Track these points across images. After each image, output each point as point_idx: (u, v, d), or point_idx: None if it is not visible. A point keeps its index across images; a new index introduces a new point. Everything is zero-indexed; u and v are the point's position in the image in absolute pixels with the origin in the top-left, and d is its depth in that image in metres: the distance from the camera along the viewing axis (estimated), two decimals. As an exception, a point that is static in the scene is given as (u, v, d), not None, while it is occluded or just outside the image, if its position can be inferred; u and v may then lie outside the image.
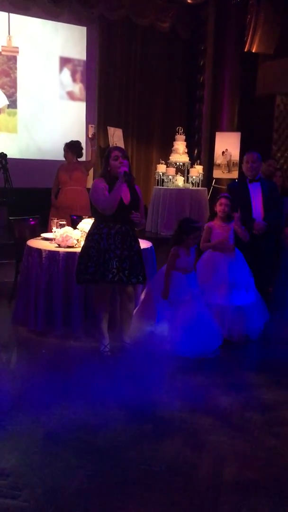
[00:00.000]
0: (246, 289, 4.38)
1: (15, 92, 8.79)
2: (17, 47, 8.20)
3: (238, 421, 3.08)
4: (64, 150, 6.12)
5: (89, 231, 3.93)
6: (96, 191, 3.81)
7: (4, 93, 8.64)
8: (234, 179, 6.60)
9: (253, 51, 9.77)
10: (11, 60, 8.60)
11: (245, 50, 9.69)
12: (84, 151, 6.37)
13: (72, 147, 6.11)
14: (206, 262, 4.48)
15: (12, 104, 8.75)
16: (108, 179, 3.82)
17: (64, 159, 6.19)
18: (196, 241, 4.19)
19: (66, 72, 9.03)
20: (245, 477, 2.53)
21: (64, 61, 8.99)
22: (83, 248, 3.92)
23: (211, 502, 2.33)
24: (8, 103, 8.69)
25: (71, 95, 9.13)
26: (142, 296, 4.26)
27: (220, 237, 4.47)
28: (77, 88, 9.16)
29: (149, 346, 3.95)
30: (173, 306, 4.07)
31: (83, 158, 6.44)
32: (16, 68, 8.73)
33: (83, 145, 6.42)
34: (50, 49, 8.83)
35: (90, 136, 6.32)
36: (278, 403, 3.33)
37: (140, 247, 3.98)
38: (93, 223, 3.95)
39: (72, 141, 6.22)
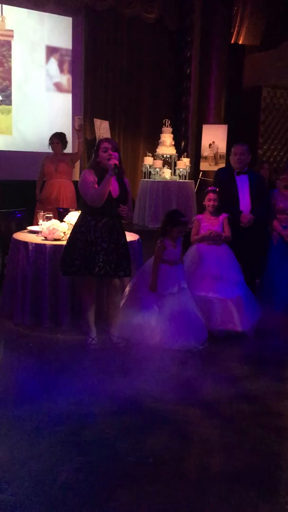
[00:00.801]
0: (234, 283, 4.37)
1: (10, 85, 7.78)
2: (12, 31, 7.21)
3: (226, 412, 3.10)
4: (54, 141, 6.02)
5: (76, 223, 3.91)
6: (85, 183, 3.79)
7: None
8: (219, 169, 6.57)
9: (240, 43, 9.77)
10: (4, 46, 7.56)
11: (232, 42, 9.68)
12: (70, 143, 6.32)
13: (63, 139, 6.05)
14: (193, 255, 4.48)
15: (6, 100, 7.82)
16: (97, 171, 3.80)
17: (50, 151, 6.11)
18: (180, 234, 4.17)
19: (53, 63, 8.88)
20: (232, 468, 2.55)
21: (51, 52, 8.84)
22: (69, 240, 3.89)
23: (199, 493, 2.35)
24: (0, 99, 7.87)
25: (57, 86, 8.99)
26: (127, 289, 4.25)
27: (207, 228, 4.47)
28: (64, 79, 9.04)
29: (136, 339, 3.96)
30: (161, 299, 4.06)
31: (69, 150, 6.39)
32: (10, 56, 7.75)
33: (69, 137, 6.36)
34: (36, 39, 8.62)
35: (76, 127, 6.27)
36: (265, 394, 3.35)
37: (126, 240, 3.97)
38: (80, 216, 3.92)
39: (60, 132, 6.16)
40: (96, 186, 3.74)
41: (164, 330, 3.96)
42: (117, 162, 3.74)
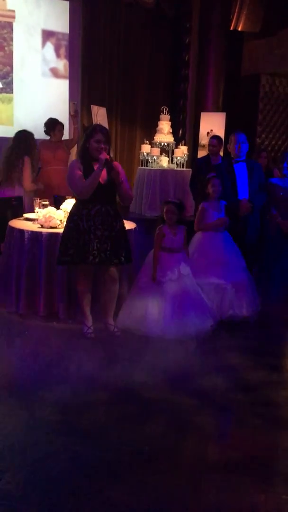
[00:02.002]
0: (239, 268, 4.40)
1: (11, 71, 7.28)
2: (13, 11, 6.77)
3: (222, 402, 3.10)
4: (60, 129, 5.98)
5: (70, 212, 3.90)
6: (72, 177, 3.76)
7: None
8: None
9: (239, 29, 9.64)
10: (5, 28, 7.03)
11: (231, 28, 9.55)
12: (66, 129, 6.26)
13: (59, 124, 6.02)
14: (199, 242, 4.46)
15: (7, 87, 7.39)
16: (85, 159, 3.76)
17: (43, 137, 6.04)
18: (172, 217, 4.12)
19: (49, 48, 8.71)
20: (229, 457, 2.54)
21: (47, 37, 8.66)
22: (64, 229, 3.88)
23: (195, 482, 2.34)
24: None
25: (54, 72, 8.84)
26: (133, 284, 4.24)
27: (215, 217, 4.45)
28: (61, 64, 8.90)
29: (138, 330, 3.94)
30: (161, 286, 4.04)
31: (65, 136, 6.32)
32: (11, 40, 7.28)
33: (66, 123, 6.30)
34: (32, 23, 8.43)
35: (72, 113, 6.20)
36: (262, 384, 3.35)
37: (123, 226, 3.94)
38: (74, 204, 3.91)
39: (51, 118, 6.11)
40: (82, 176, 3.70)
41: (165, 318, 3.95)
42: (107, 157, 3.70)
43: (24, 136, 5.47)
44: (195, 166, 6.75)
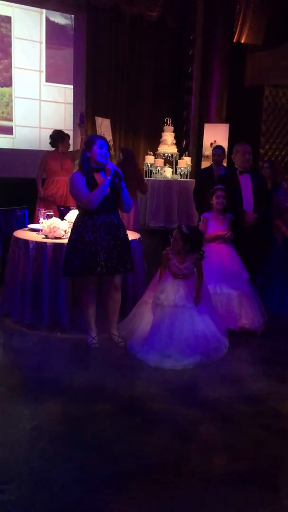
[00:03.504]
0: (245, 280, 4.37)
1: (10, 67, 7.72)
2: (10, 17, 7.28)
3: (227, 413, 3.08)
4: (66, 140, 6.06)
5: (74, 223, 3.90)
6: (77, 189, 3.74)
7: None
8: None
9: (242, 41, 9.72)
10: (3, 20, 7.41)
11: (234, 40, 9.63)
12: (72, 140, 6.32)
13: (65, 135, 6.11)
14: (205, 254, 4.44)
15: (6, 82, 7.80)
16: (87, 169, 3.76)
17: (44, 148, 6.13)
18: (173, 243, 3.90)
19: (54, 60, 8.84)
20: (233, 469, 2.52)
21: (50, 48, 8.78)
22: (69, 240, 3.88)
23: (200, 494, 2.32)
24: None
25: (59, 82, 8.95)
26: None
27: (216, 229, 4.42)
28: (66, 75, 9.01)
29: (130, 342, 3.91)
30: (161, 309, 3.87)
31: (70, 148, 6.38)
32: (11, 31, 7.62)
33: (71, 133, 6.38)
34: (34, 37, 8.57)
35: (79, 124, 6.26)
36: (267, 395, 3.33)
37: (127, 235, 3.94)
38: (78, 215, 3.90)
39: (62, 131, 6.22)
40: (85, 187, 3.71)
41: (146, 342, 3.80)
42: (116, 168, 3.73)
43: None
44: (199, 177, 6.78)
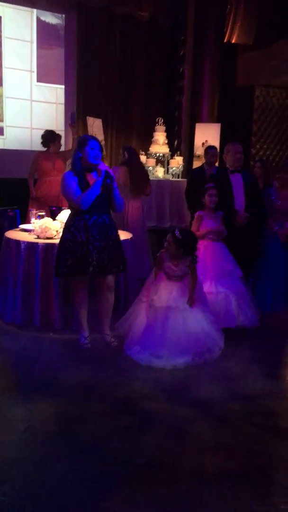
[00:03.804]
0: (238, 277, 4.40)
1: (0, 67, 7.67)
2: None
3: (220, 412, 3.08)
4: (57, 140, 6.04)
5: (66, 223, 3.90)
6: (69, 190, 3.73)
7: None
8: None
9: (233, 41, 9.74)
10: None
11: (225, 40, 9.65)
12: (63, 140, 6.31)
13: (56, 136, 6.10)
14: (198, 253, 4.45)
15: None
16: (79, 169, 3.76)
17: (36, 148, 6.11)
18: (166, 246, 3.88)
19: (45, 59, 8.81)
20: (227, 468, 2.53)
21: (41, 48, 8.74)
22: (60, 240, 3.87)
23: (194, 494, 2.32)
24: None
25: (50, 82, 8.93)
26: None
27: (210, 226, 4.43)
28: (57, 75, 8.98)
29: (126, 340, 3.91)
30: (154, 309, 3.87)
31: (62, 148, 6.37)
32: (1, 31, 7.59)
33: (62, 133, 6.37)
34: (25, 37, 8.53)
35: (71, 124, 6.25)
36: (259, 394, 3.33)
37: (118, 235, 3.95)
38: (69, 215, 3.90)
39: (54, 131, 6.21)
40: (79, 189, 3.70)
41: (139, 342, 3.81)
42: (107, 167, 3.72)
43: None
44: (191, 177, 6.79)
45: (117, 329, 4.03)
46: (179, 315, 3.81)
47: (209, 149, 6.26)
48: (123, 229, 5.66)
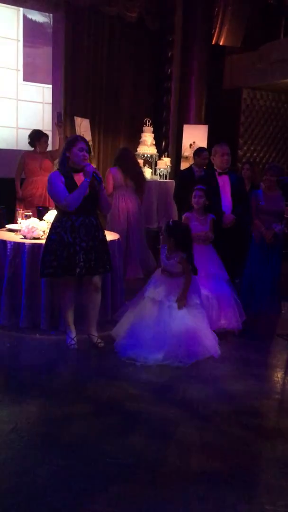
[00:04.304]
0: (224, 280, 4.42)
1: None
2: None
3: (206, 412, 3.10)
4: (46, 141, 6.02)
5: (52, 223, 3.88)
6: (56, 191, 3.71)
7: None
8: (187, 168, 6.66)
9: (221, 43, 9.79)
10: None
11: (213, 42, 9.70)
12: (50, 139, 6.28)
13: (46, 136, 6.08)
14: None
15: None
16: (66, 169, 3.75)
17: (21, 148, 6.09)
18: (162, 237, 4.00)
19: (32, 58, 8.76)
20: (212, 468, 2.54)
21: (27, 47, 8.67)
22: (46, 241, 3.85)
23: (179, 494, 2.33)
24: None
25: (37, 82, 8.88)
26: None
27: (198, 228, 4.43)
28: (44, 75, 8.94)
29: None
30: (153, 304, 3.91)
31: (49, 148, 6.35)
32: None
33: (50, 133, 6.34)
34: (11, 35, 8.42)
35: (57, 123, 6.23)
36: (245, 394, 3.35)
37: (105, 236, 3.94)
38: (56, 216, 3.88)
39: (40, 130, 6.18)
40: (66, 190, 3.69)
41: (126, 336, 3.86)
42: (94, 168, 3.72)
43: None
44: (179, 178, 6.79)
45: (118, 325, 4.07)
46: (165, 310, 3.84)
47: (202, 151, 6.19)
48: (126, 228, 5.71)
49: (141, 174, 6.37)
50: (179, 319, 3.81)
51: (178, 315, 3.83)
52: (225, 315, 4.32)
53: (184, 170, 6.93)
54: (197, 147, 6.94)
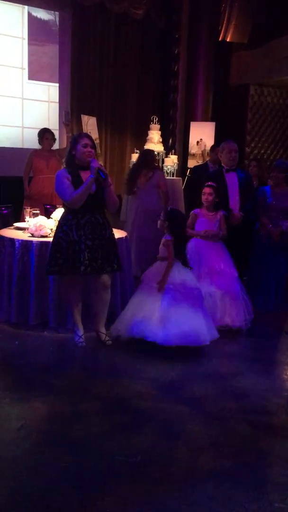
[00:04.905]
0: (232, 278, 4.39)
1: None
2: None
3: (214, 410, 3.09)
4: (48, 137, 6.02)
5: (59, 222, 3.88)
6: (62, 188, 3.72)
7: None
8: (202, 164, 6.64)
9: (228, 40, 9.75)
10: None
11: (220, 39, 9.66)
12: (57, 138, 6.29)
13: (53, 136, 6.08)
14: (191, 250, 4.46)
15: None
16: (72, 167, 3.75)
17: (32, 146, 6.09)
18: (160, 227, 4.11)
19: (39, 56, 8.74)
20: (220, 466, 2.54)
21: (32, 45, 8.65)
22: (53, 239, 3.86)
23: (188, 491, 2.33)
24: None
25: (44, 80, 8.87)
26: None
27: (205, 225, 4.44)
28: (50, 73, 8.94)
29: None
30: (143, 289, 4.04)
31: (56, 146, 6.35)
32: None
33: (57, 132, 6.35)
34: (16, 33, 8.40)
35: (65, 122, 6.24)
36: (253, 392, 3.35)
37: (113, 234, 3.94)
38: (62, 214, 3.89)
39: (44, 127, 6.18)
40: (71, 186, 3.69)
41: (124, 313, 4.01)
42: (99, 165, 3.71)
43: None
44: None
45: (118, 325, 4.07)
46: (144, 291, 3.99)
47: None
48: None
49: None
50: (151, 305, 3.87)
51: (152, 301, 3.89)
52: (229, 313, 4.29)
53: (199, 166, 6.91)
54: (203, 144, 6.93)
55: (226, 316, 4.30)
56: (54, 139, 6.10)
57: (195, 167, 7.40)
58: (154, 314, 3.80)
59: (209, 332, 3.88)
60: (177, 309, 3.83)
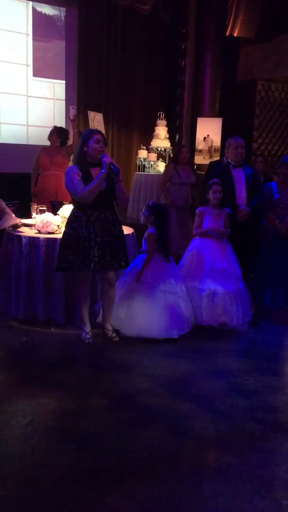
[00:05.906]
0: (235, 277, 4.37)
1: None
2: None
3: (221, 407, 3.09)
4: (51, 132, 6.02)
5: (68, 218, 3.87)
6: (72, 184, 3.70)
7: None
8: (217, 161, 6.60)
9: (235, 35, 9.69)
10: None
11: (227, 34, 9.60)
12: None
13: (61, 133, 6.05)
14: (196, 248, 4.45)
15: None
16: (83, 164, 3.74)
17: (41, 143, 6.08)
18: (144, 222, 4.27)
19: (45, 52, 8.68)
20: (227, 463, 2.53)
21: (37, 41, 8.57)
22: (63, 235, 3.86)
23: (195, 488, 2.33)
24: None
25: (50, 77, 8.83)
26: None
27: (211, 223, 4.43)
28: (57, 69, 8.90)
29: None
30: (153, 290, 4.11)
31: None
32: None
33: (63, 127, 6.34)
34: (20, 29, 8.27)
35: (71, 118, 6.23)
36: (260, 389, 3.34)
37: (122, 231, 3.93)
38: (72, 211, 3.88)
39: (62, 127, 6.17)
40: (82, 183, 3.68)
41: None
42: (111, 160, 3.69)
43: None
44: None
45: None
46: (126, 283, 4.16)
47: None
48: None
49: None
50: (128, 295, 4.09)
51: (130, 290, 4.10)
52: (227, 312, 4.26)
53: (214, 162, 6.86)
54: (210, 140, 6.88)
55: (223, 314, 4.26)
56: (60, 137, 6.07)
57: (210, 163, 7.33)
58: (124, 307, 4.05)
59: (175, 326, 4.02)
60: (133, 302, 4.06)
